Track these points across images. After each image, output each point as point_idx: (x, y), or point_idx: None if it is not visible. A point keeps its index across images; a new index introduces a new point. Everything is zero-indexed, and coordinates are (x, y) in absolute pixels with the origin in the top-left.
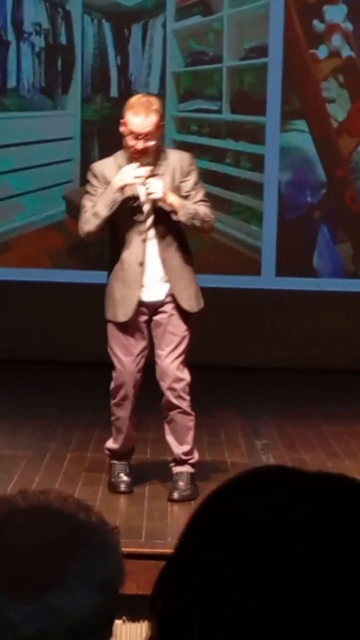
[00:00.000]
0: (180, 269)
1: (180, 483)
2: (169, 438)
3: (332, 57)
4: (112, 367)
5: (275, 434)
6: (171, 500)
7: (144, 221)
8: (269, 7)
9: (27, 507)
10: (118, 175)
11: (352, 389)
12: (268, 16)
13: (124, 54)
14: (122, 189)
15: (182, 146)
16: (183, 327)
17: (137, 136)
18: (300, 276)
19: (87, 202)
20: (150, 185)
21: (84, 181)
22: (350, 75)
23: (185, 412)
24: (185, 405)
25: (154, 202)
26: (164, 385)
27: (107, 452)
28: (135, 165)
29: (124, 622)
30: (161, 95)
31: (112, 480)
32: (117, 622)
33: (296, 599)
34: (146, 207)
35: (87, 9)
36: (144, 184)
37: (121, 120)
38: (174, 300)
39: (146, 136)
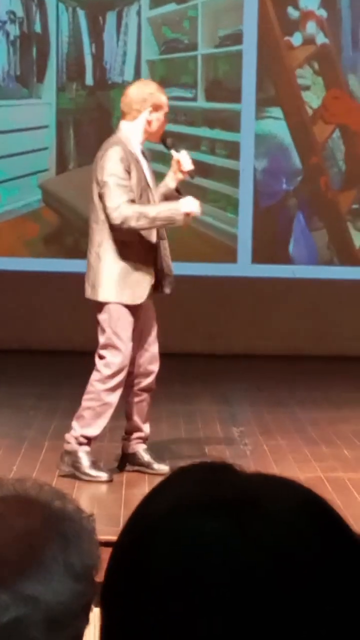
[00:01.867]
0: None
1: (151, 456)
2: (136, 418)
3: (306, 44)
4: (111, 350)
5: (252, 420)
6: (155, 470)
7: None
8: None
9: (2, 496)
10: (187, 204)
11: (328, 375)
12: (242, 3)
13: (98, 42)
14: (187, 215)
15: None
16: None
17: (166, 114)
18: (276, 263)
19: (122, 187)
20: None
21: (61, 170)
22: (325, 63)
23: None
24: None
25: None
26: (152, 368)
27: (82, 439)
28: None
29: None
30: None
31: (90, 467)
32: (95, 609)
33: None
34: (155, 191)
35: None
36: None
37: (159, 104)
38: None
39: None
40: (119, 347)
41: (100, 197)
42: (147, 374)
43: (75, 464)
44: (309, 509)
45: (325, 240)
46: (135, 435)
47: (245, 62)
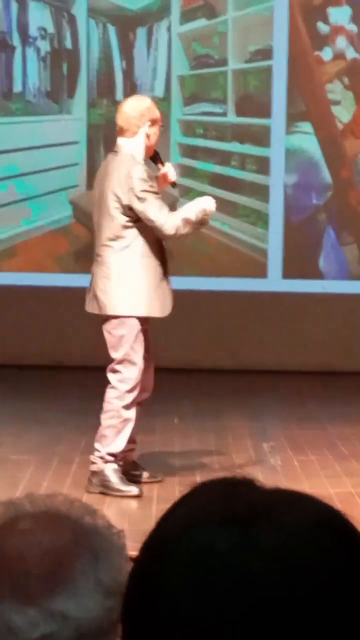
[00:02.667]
0: None
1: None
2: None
3: (336, 59)
4: (127, 365)
5: (282, 436)
6: (145, 480)
7: None
8: (273, 10)
9: (33, 512)
10: (207, 202)
11: (357, 390)
12: (272, 19)
13: (129, 57)
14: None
15: (187, 149)
16: None
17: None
18: (307, 278)
19: (161, 203)
20: (170, 170)
21: (91, 185)
22: (355, 77)
23: None
24: None
25: None
26: (151, 383)
27: (108, 457)
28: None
29: None
30: (167, 98)
31: (119, 483)
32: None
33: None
34: None
35: (93, 13)
36: (163, 164)
37: (155, 119)
38: None
39: None
40: (135, 362)
41: (124, 210)
42: (147, 389)
43: (104, 482)
44: (324, 523)
45: (356, 254)
46: (129, 447)
47: (275, 77)
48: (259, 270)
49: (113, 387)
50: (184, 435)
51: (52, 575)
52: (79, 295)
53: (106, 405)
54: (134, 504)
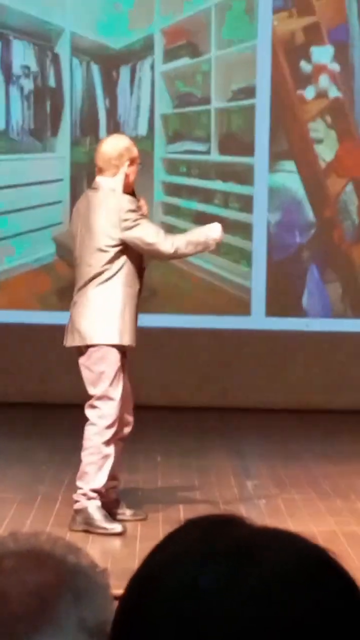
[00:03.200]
0: None
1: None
2: (114, 466)
3: (319, 97)
4: (106, 401)
5: (265, 474)
6: (129, 518)
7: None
8: (256, 49)
9: (17, 550)
10: (215, 230)
11: (341, 429)
12: (255, 57)
13: (112, 96)
14: (213, 240)
15: (171, 187)
16: None
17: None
18: (290, 316)
19: (154, 226)
20: (143, 204)
21: None
22: (337, 116)
23: None
24: None
25: None
26: (130, 418)
27: (91, 493)
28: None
29: None
30: (150, 137)
31: (102, 520)
32: None
33: None
34: None
35: (76, 51)
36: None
37: (134, 158)
38: None
39: None
40: (114, 398)
41: (115, 243)
42: (127, 424)
43: (88, 520)
44: (309, 562)
45: (339, 292)
46: (111, 484)
47: (258, 116)
48: (242, 308)
49: (92, 424)
50: (167, 473)
51: (36, 615)
52: (61, 332)
53: (86, 442)
54: (117, 542)
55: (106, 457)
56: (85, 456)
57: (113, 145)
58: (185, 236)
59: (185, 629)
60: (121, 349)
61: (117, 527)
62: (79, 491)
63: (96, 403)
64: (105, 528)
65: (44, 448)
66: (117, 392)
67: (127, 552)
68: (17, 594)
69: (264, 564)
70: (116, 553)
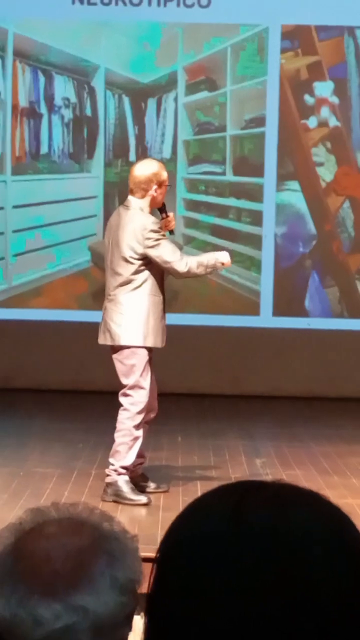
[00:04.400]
0: None
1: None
2: (142, 447)
3: (321, 126)
4: (137, 390)
5: (272, 453)
6: (153, 490)
7: None
8: (266, 84)
9: (58, 518)
10: (224, 255)
11: (338, 414)
12: (265, 91)
13: (141, 124)
14: (222, 264)
15: (191, 204)
16: None
17: (166, 188)
18: (294, 316)
19: (174, 246)
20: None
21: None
22: (336, 143)
23: None
24: None
25: None
26: (156, 404)
27: (121, 470)
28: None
29: (142, 617)
30: (173, 159)
31: (130, 493)
32: (136, 617)
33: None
34: None
35: (109, 85)
36: (167, 215)
37: (162, 181)
38: None
39: None
40: (144, 387)
41: (139, 256)
42: (153, 409)
43: (117, 492)
44: (332, 518)
45: (337, 296)
46: (138, 461)
47: (267, 142)
48: (253, 309)
49: (125, 409)
50: (187, 451)
51: (74, 574)
52: (95, 329)
53: (119, 425)
54: (143, 511)
55: (136, 438)
56: (118, 437)
57: (142, 171)
58: (198, 258)
59: (226, 572)
60: (147, 347)
61: (142, 499)
62: (111, 467)
63: (129, 392)
64: (132, 499)
65: (79, 430)
66: (146, 382)
67: (151, 520)
68: (58, 555)
69: (298, 514)
70: (142, 521)
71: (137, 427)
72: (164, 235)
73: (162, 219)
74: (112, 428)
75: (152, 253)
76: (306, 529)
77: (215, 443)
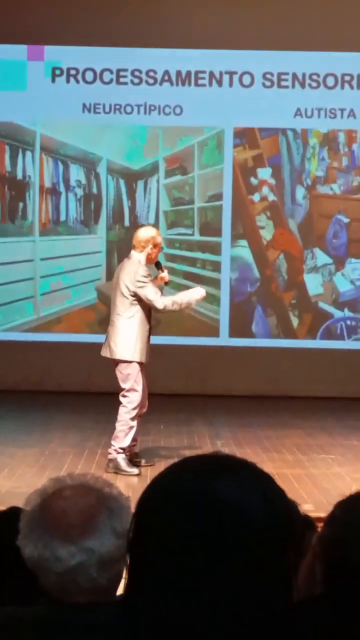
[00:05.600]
0: None
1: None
2: (136, 433)
3: (262, 200)
4: (132, 392)
5: (229, 437)
6: (144, 463)
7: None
8: (223, 169)
9: (72, 484)
10: (198, 292)
11: (280, 408)
12: (222, 175)
13: (132, 199)
14: (197, 300)
15: (169, 256)
16: None
17: (160, 248)
18: (244, 337)
19: (155, 288)
20: (165, 274)
21: (109, 278)
22: (273, 212)
23: None
24: None
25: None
26: (146, 402)
27: (119, 450)
28: (203, 292)
29: None
30: (156, 224)
31: (126, 466)
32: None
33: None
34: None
35: (110, 171)
36: (163, 271)
37: (157, 243)
38: None
39: None
40: (137, 390)
41: (131, 293)
42: (144, 406)
43: (117, 466)
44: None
45: (275, 322)
46: (132, 443)
47: (224, 211)
48: (215, 332)
49: (124, 406)
50: (167, 436)
51: (84, 525)
52: (101, 347)
53: (119, 417)
54: (135, 479)
55: (131, 427)
56: (117, 426)
57: (144, 233)
58: (174, 298)
59: (205, 533)
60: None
61: (135, 470)
62: (112, 447)
63: (126, 393)
64: (127, 471)
65: (89, 420)
66: (139, 386)
67: (141, 485)
68: (73, 511)
69: (235, 477)
70: (135, 487)
71: (132, 419)
72: (149, 280)
73: (158, 273)
74: (114, 420)
75: (140, 292)
76: (240, 486)
77: (188, 429)
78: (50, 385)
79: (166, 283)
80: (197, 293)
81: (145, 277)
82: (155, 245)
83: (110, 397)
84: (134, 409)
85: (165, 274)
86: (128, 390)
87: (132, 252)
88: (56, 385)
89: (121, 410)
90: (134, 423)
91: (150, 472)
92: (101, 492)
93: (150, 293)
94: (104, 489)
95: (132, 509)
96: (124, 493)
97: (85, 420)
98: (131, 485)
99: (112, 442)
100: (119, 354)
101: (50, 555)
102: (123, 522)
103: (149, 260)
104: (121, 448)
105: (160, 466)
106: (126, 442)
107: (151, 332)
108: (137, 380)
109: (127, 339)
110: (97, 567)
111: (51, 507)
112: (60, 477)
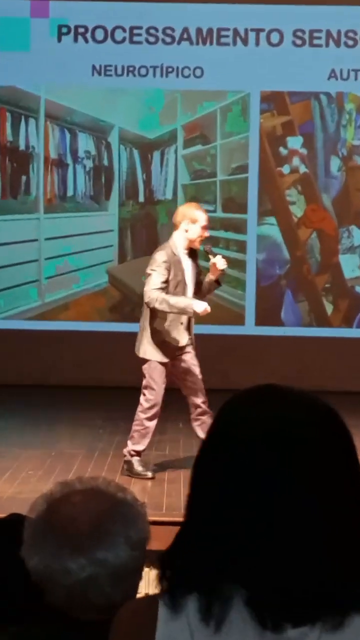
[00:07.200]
0: None
1: None
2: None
3: (293, 172)
4: (149, 390)
5: None
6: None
7: (185, 292)
8: (249, 138)
9: (82, 488)
10: (198, 305)
11: None
12: (248, 145)
13: (148, 172)
14: (194, 311)
15: None
16: None
17: (205, 227)
18: (272, 325)
19: (159, 278)
20: (219, 261)
21: (121, 260)
22: (305, 186)
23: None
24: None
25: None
26: (196, 401)
27: (133, 452)
28: (206, 306)
29: (150, 569)
30: (174, 200)
31: (140, 469)
32: (146, 569)
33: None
34: (189, 283)
35: (122, 140)
36: (214, 256)
37: (193, 219)
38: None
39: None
40: (155, 388)
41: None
42: (195, 405)
43: (131, 468)
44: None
45: (307, 309)
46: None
47: (250, 185)
48: (239, 320)
49: (140, 404)
50: (188, 435)
51: (96, 534)
52: (112, 336)
53: (136, 416)
54: (150, 483)
55: (147, 428)
56: (134, 426)
57: (180, 210)
58: (169, 298)
59: (252, 432)
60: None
61: (149, 474)
62: (127, 448)
63: (143, 390)
64: (141, 475)
65: (100, 417)
66: (157, 384)
67: (158, 490)
68: (82, 519)
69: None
70: (150, 491)
71: (148, 419)
72: (158, 270)
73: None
74: (126, 417)
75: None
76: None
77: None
78: (57, 379)
79: (222, 272)
80: (199, 306)
81: (160, 263)
82: (192, 220)
83: (124, 392)
84: (150, 408)
85: (217, 259)
86: (145, 387)
87: (173, 234)
88: (64, 380)
89: (138, 409)
90: (150, 424)
91: (168, 475)
92: (114, 497)
93: (150, 282)
94: (117, 494)
95: (148, 516)
96: (138, 499)
97: (96, 418)
98: (146, 489)
99: (128, 443)
100: (136, 349)
101: (58, 567)
102: (138, 531)
103: (191, 242)
104: (135, 451)
105: (179, 467)
106: (142, 444)
107: (190, 323)
108: (154, 378)
109: (141, 335)
110: (110, 580)
111: (58, 514)
112: (69, 481)
